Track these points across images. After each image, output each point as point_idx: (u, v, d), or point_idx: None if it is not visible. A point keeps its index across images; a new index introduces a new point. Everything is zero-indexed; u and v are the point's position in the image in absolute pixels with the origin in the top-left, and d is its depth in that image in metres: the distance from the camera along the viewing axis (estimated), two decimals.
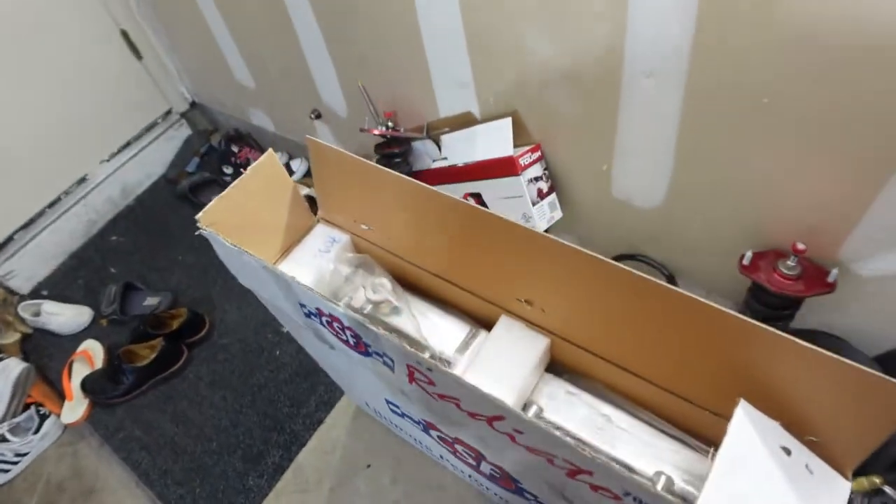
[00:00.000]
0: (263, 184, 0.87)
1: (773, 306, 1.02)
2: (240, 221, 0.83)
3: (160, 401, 1.55)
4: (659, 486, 0.69)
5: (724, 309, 0.59)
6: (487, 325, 0.86)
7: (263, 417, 1.46)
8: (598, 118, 1.06)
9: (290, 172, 1.93)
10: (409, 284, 0.95)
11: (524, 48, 1.05)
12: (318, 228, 0.99)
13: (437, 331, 0.88)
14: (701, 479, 0.74)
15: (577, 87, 1.05)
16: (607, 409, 0.80)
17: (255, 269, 0.79)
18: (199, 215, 0.78)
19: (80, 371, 1.62)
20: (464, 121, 1.28)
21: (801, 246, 0.95)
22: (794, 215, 0.98)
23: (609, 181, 1.16)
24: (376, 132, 1.36)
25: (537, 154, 1.19)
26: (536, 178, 1.21)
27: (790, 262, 0.98)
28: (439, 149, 1.35)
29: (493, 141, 1.19)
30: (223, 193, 0.82)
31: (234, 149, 2.01)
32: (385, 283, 0.92)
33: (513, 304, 0.82)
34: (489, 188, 1.19)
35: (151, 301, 1.73)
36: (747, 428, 0.62)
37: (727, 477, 0.58)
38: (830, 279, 0.95)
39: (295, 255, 0.96)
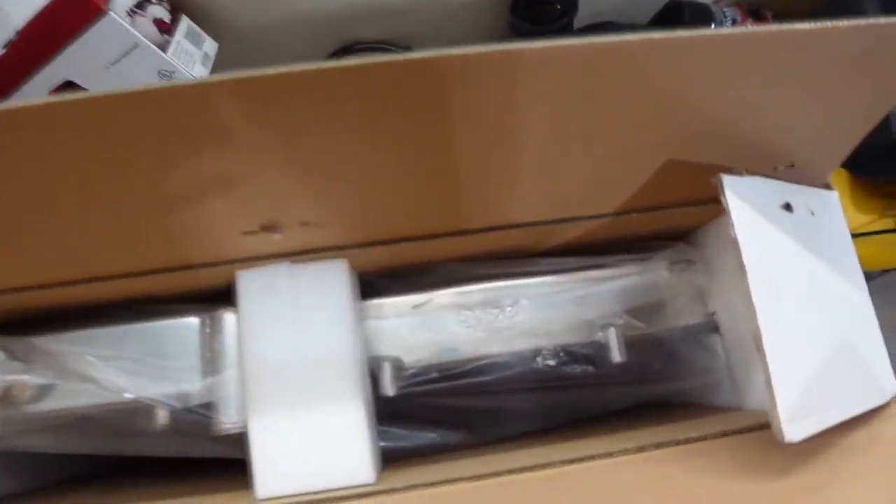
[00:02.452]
0: None
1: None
2: None
3: None
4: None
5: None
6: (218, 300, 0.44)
7: None
8: None
9: None
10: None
11: None
12: None
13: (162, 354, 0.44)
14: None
15: None
16: (479, 292, 0.47)
17: None
18: None
19: None
20: None
21: None
22: None
23: None
24: None
25: None
26: (139, 6, 0.68)
27: None
28: None
29: None
30: None
31: None
32: None
33: (236, 244, 0.39)
34: (74, 61, 0.65)
35: None
36: (747, 213, 0.32)
37: (767, 288, 0.30)
38: None
39: None
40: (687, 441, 0.39)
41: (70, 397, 0.45)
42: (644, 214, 0.43)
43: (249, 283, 0.41)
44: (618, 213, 0.42)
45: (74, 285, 0.43)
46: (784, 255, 0.34)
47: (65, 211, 0.36)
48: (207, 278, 0.43)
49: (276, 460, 0.39)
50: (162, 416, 0.44)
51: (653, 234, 0.50)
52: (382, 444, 0.47)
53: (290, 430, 0.39)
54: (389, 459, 0.46)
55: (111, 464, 0.60)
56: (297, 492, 0.38)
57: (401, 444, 0.47)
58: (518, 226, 0.42)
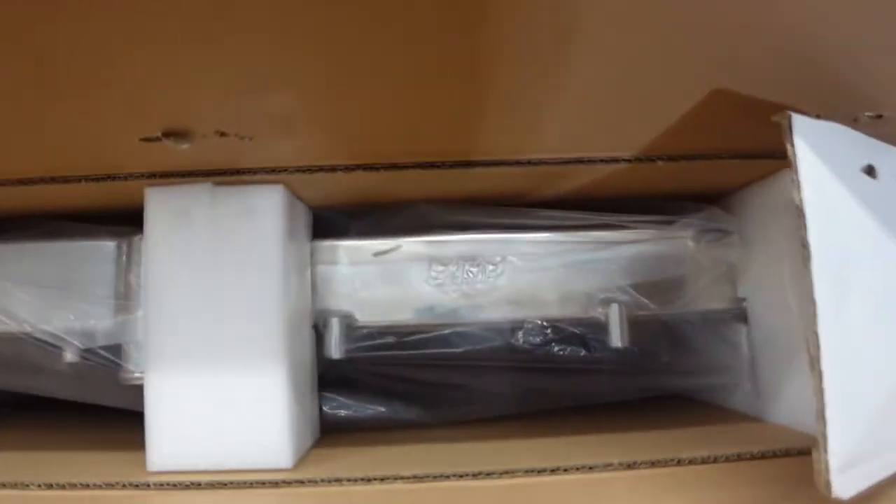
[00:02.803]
0: None
1: None
2: None
3: None
4: None
5: None
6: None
7: None
8: None
9: None
10: None
11: None
12: None
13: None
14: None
15: None
16: (457, 243, 0.38)
17: None
18: None
19: None
20: None
21: None
22: None
23: None
24: None
25: None
26: None
27: None
28: None
29: None
30: None
31: None
32: None
33: (136, 153, 0.30)
34: None
35: None
36: (818, 171, 0.22)
37: (834, 281, 0.21)
38: None
39: None
40: (691, 462, 0.30)
41: None
42: (672, 163, 0.33)
43: (159, 204, 0.33)
44: (640, 159, 0.32)
45: None
46: (860, 238, 0.25)
47: None
48: (123, 195, 0.35)
49: (174, 428, 0.31)
50: (63, 355, 0.37)
51: (679, 193, 0.40)
52: (324, 408, 0.40)
53: (194, 393, 0.31)
54: (329, 427, 0.39)
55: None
56: (194, 468, 0.31)
57: (342, 412, 0.39)
58: (528, 163, 0.32)
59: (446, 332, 0.38)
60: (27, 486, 0.31)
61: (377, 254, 0.39)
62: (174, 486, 0.30)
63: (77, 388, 0.38)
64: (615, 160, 0.33)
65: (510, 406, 0.39)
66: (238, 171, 0.32)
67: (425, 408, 0.39)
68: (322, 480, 0.30)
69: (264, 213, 0.32)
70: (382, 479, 0.30)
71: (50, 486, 0.30)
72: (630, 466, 0.30)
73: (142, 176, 0.32)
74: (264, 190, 0.33)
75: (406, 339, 0.37)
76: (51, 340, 0.37)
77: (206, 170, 0.32)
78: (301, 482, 0.30)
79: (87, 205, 0.37)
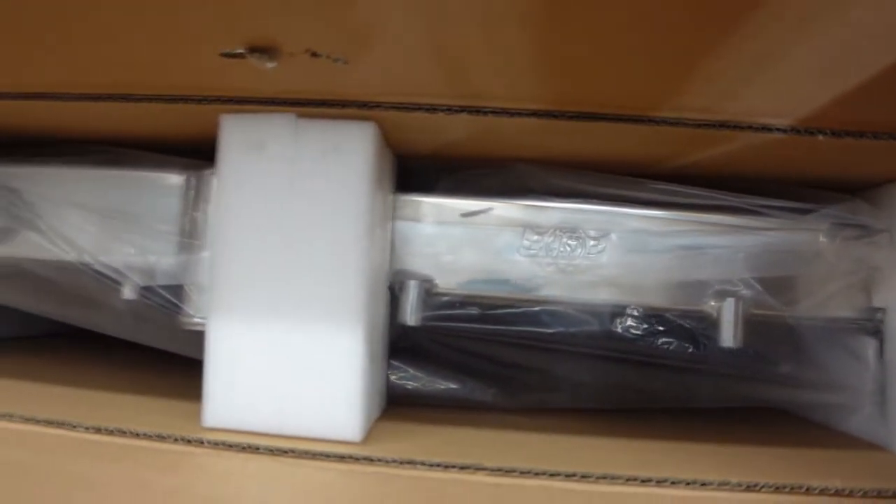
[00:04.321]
0: None
1: None
2: None
3: None
4: None
5: None
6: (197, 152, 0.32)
7: None
8: None
9: None
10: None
11: None
12: None
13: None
14: None
15: None
16: (557, 210, 0.33)
17: None
18: None
19: None
20: None
21: None
22: None
23: None
24: None
25: None
26: None
27: None
28: None
29: None
30: None
31: None
32: None
33: (215, 69, 0.27)
34: None
35: None
36: None
37: None
38: None
39: None
40: (822, 492, 0.26)
41: (16, 245, 0.35)
42: (835, 139, 0.27)
43: (235, 134, 0.29)
44: (798, 130, 0.27)
45: (29, 100, 0.32)
46: None
47: None
48: (195, 122, 0.32)
49: (234, 383, 0.28)
50: (121, 291, 0.34)
51: (824, 180, 0.35)
52: (391, 378, 0.37)
53: (260, 347, 0.28)
54: (393, 399, 0.36)
55: None
56: (251, 428, 0.28)
57: (410, 384, 0.36)
58: (662, 122, 0.27)
59: (535, 308, 0.34)
60: (74, 426, 0.28)
61: (465, 214, 0.34)
62: (230, 446, 0.27)
63: (132, 327, 0.36)
64: (768, 128, 0.27)
65: (596, 399, 0.35)
66: (325, 103, 0.28)
67: (501, 390, 0.36)
68: (393, 461, 0.26)
69: (352, 152, 0.28)
70: (462, 468, 0.26)
71: (98, 430, 0.28)
72: (750, 488, 0.26)
73: (218, 100, 0.29)
74: (354, 127, 0.29)
75: (490, 311, 0.33)
76: (109, 274, 0.35)
77: (290, 98, 0.29)
78: (369, 459, 0.26)
79: (154, 131, 0.34)
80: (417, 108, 0.28)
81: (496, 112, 0.27)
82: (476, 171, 0.35)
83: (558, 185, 0.34)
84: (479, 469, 0.26)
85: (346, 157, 0.28)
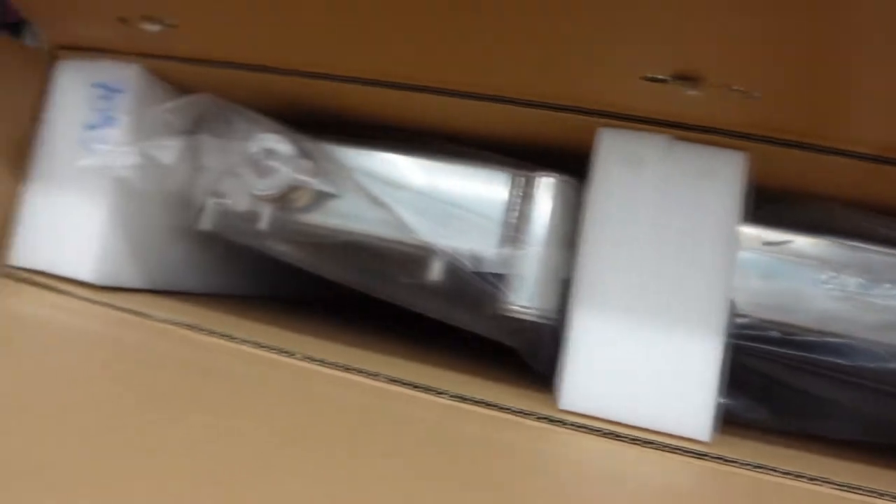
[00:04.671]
0: None
1: None
2: None
3: None
4: None
5: None
6: (560, 162, 0.35)
7: None
8: None
9: None
10: (319, 125, 0.40)
11: None
12: (61, 72, 0.40)
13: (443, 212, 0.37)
14: None
15: None
16: (856, 251, 0.35)
17: None
18: None
19: None
20: None
21: None
22: None
23: None
24: None
25: None
26: None
27: None
28: None
29: None
30: None
31: None
32: (277, 140, 0.37)
33: (627, 90, 0.30)
34: None
35: None
36: None
37: None
38: None
39: (43, 161, 0.40)
40: None
41: (348, 218, 0.39)
42: None
43: (612, 146, 0.32)
44: None
45: (382, 87, 0.36)
46: None
47: None
48: (556, 128, 0.35)
49: (593, 372, 0.31)
50: (441, 270, 0.37)
51: None
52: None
53: (621, 342, 0.31)
54: None
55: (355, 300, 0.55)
56: (608, 416, 0.31)
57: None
58: None
59: (830, 339, 0.36)
60: (440, 393, 0.31)
61: (767, 244, 0.37)
62: (592, 430, 0.30)
63: (441, 307, 0.39)
64: None
65: (870, 432, 0.37)
66: (704, 129, 0.31)
67: (772, 410, 0.38)
68: (748, 464, 0.29)
69: (724, 178, 0.31)
70: (815, 481, 0.28)
71: (462, 399, 0.31)
72: None
73: (599, 114, 0.32)
74: (726, 154, 0.31)
75: (790, 336, 0.36)
76: (425, 253, 0.38)
77: (666, 120, 0.32)
78: (723, 459, 0.29)
79: (502, 130, 0.38)
80: (796, 145, 0.30)
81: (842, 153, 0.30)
82: (785, 203, 0.37)
83: (867, 227, 0.36)
84: (825, 482, 0.28)
85: (718, 182, 0.31)
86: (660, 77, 0.28)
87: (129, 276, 0.41)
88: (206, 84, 0.40)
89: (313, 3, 0.31)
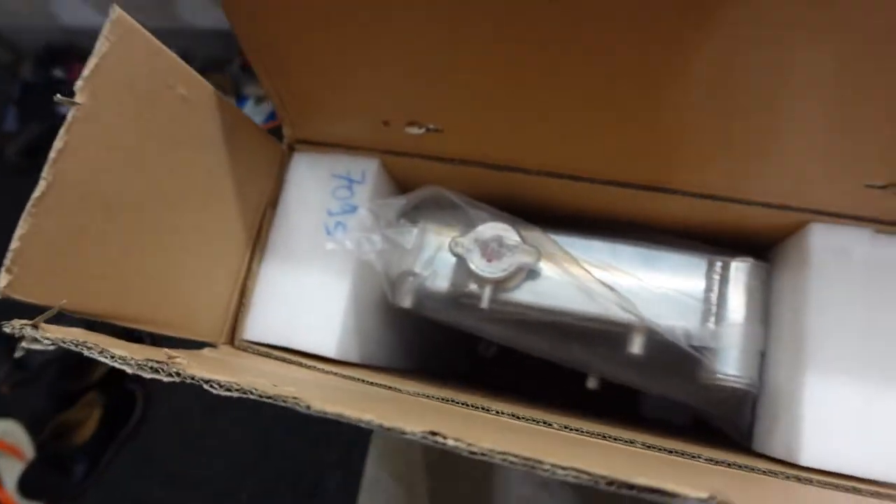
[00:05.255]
0: (134, 105, 0.33)
1: None
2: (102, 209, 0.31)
3: (138, 465, 1.07)
4: None
5: None
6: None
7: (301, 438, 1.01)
8: None
9: None
10: (535, 216, 0.45)
11: None
12: (298, 163, 0.46)
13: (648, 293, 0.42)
14: None
15: None
16: None
17: None
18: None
19: (10, 470, 1.11)
20: None
21: None
22: None
23: None
24: None
25: None
26: None
27: None
28: None
29: None
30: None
31: (59, 73, 1.32)
32: (504, 229, 0.42)
33: (846, 194, 0.35)
34: None
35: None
36: None
37: None
38: None
39: (280, 242, 0.45)
40: None
41: (557, 299, 0.43)
42: None
43: (823, 239, 0.37)
44: None
45: (592, 183, 0.41)
46: None
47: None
48: (749, 220, 0.40)
49: (832, 433, 0.35)
50: (651, 344, 0.41)
51: None
52: None
53: (852, 403, 0.35)
54: None
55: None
56: (848, 471, 0.34)
57: None
58: None
59: None
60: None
61: None
62: (836, 486, 0.33)
63: (652, 379, 0.43)
64: None
65: None
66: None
67: None
68: None
69: None
70: None
71: (711, 461, 0.34)
72: None
73: (815, 211, 0.37)
74: None
75: None
76: (649, 331, 0.41)
77: (868, 216, 0.37)
78: None
79: (699, 219, 0.43)
80: None
81: None
82: None
83: None
84: None
85: None
86: (878, 184, 0.34)
87: (356, 352, 0.45)
88: (425, 176, 0.45)
89: (557, 118, 0.37)
